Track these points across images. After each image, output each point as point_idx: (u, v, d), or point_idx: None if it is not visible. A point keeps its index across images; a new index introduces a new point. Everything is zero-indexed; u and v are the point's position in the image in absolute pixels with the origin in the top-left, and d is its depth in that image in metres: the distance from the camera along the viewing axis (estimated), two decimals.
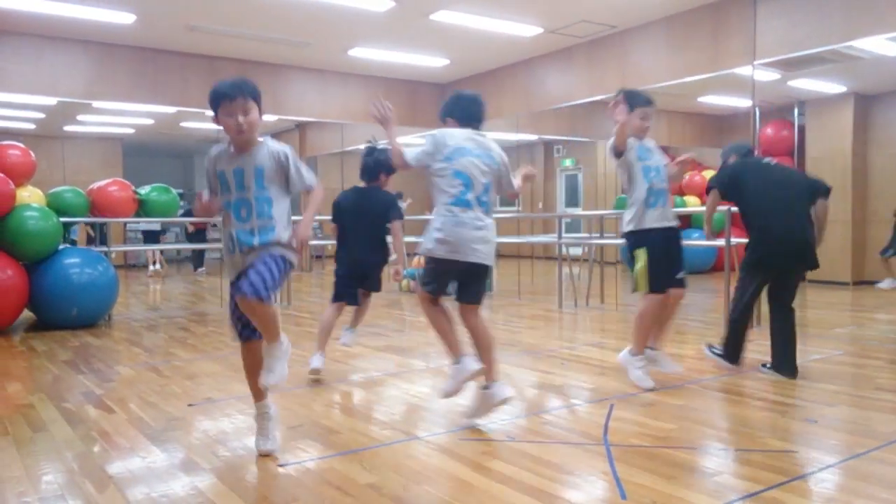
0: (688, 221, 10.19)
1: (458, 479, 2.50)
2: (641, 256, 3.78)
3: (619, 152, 3.77)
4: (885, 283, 7.64)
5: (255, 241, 2.62)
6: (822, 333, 5.58)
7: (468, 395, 3.27)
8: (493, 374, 3.14)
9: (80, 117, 11.30)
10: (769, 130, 9.50)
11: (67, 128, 12.13)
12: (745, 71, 6.71)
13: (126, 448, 2.91)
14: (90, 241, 9.48)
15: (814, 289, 8.13)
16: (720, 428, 3.15)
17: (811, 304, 7.28)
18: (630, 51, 7.92)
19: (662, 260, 3.77)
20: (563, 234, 7.63)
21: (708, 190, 4.38)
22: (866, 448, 2.75)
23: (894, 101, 9.12)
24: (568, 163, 14.15)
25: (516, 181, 3.25)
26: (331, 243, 6.56)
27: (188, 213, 9.72)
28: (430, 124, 10.79)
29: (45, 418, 3.37)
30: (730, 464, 2.64)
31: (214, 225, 12.83)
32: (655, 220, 3.77)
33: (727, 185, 4.19)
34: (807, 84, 8.73)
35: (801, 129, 9.38)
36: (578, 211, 13.23)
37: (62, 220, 6.28)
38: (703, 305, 7.20)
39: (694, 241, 7.57)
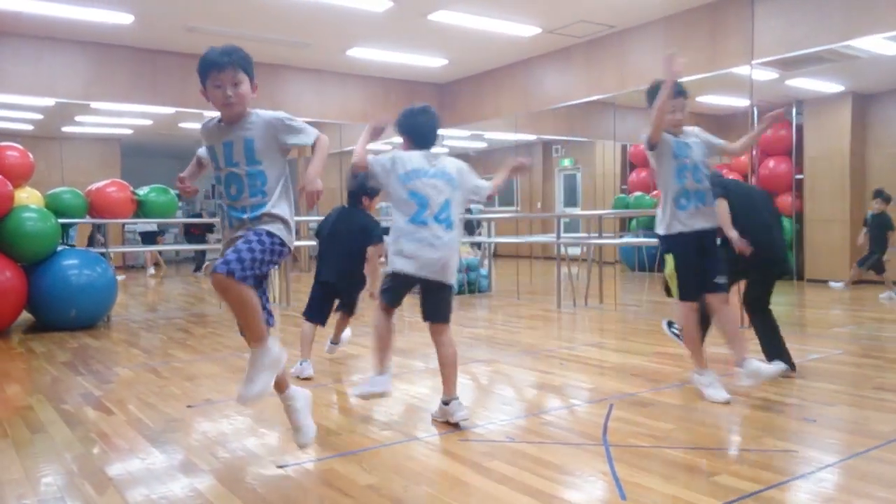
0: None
1: (458, 480, 2.50)
2: (670, 261, 3.64)
3: (651, 145, 3.54)
4: (885, 296, 7.63)
5: (246, 216, 2.43)
6: (821, 333, 5.59)
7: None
8: (451, 389, 3.14)
9: (78, 118, 11.29)
10: (767, 130, 9.50)
11: (66, 129, 12.11)
12: (743, 70, 6.72)
13: (125, 449, 2.91)
14: (91, 242, 9.53)
15: (813, 288, 8.13)
16: (719, 428, 3.15)
17: (810, 304, 7.29)
18: (628, 51, 7.93)
19: (692, 266, 3.56)
20: (562, 234, 7.63)
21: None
22: (865, 447, 2.76)
23: (892, 100, 9.13)
24: (566, 163, 14.16)
25: (490, 184, 3.32)
26: None
27: (191, 215, 9.71)
28: None
29: (44, 420, 3.36)
30: (729, 464, 2.64)
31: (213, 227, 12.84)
32: (686, 223, 3.52)
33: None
34: (805, 83, 8.73)
35: (800, 129, 9.38)
36: (577, 211, 13.24)
37: (61, 221, 6.28)
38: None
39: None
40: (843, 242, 8.99)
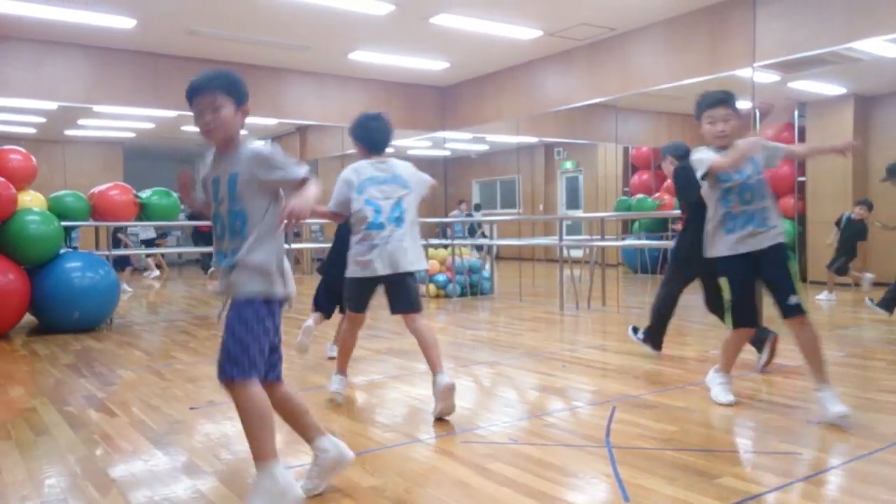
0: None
1: (461, 482, 2.49)
2: (725, 286, 3.36)
3: (702, 176, 3.29)
4: (824, 297, 7.69)
5: (224, 263, 2.19)
6: (824, 335, 5.54)
7: (467, 398, 3.26)
8: (437, 366, 3.30)
9: (80, 122, 11.32)
10: (769, 132, 9.50)
11: (68, 132, 12.15)
12: (744, 73, 6.72)
13: (128, 451, 2.91)
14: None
15: (816, 290, 8.12)
16: (722, 430, 3.15)
17: (813, 306, 7.27)
18: (630, 53, 7.93)
19: (744, 291, 3.31)
20: (564, 237, 7.63)
21: (697, 193, 4.41)
22: (870, 450, 2.75)
23: (894, 102, 9.13)
24: (568, 165, 14.17)
25: (428, 186, 3.56)
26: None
27: (192, 217, 9.74)
28: (430, 127, 10.82)
29: (48, 422, 3.37)
30: (733, 466, 2.63)
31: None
32: (732, 246, 3.24)
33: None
34: (807, 86, 8.73)
35: (802, 131, 9.38)
36: (579, 213, 13.24)
37: (63, 224, 6.30)
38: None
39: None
40: None
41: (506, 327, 6.25)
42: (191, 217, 10.56)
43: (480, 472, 2.57)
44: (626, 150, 11.95)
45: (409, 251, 3.36)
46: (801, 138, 9.33)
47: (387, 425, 3.27)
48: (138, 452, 2.89)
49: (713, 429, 3.14)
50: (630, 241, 10.93)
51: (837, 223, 8.14)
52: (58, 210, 6.47)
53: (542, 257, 11.67)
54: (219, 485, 2.52)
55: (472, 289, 8.47)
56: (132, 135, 12.70)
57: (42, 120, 10.87)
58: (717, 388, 3.52)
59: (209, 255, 13.18)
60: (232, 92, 2.23)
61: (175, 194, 7.42)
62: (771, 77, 7.08)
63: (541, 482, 2.46)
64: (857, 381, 3.98)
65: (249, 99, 2.29)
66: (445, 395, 3.23)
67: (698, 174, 3.26)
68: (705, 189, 3.35)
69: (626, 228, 11.80)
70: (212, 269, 12.35)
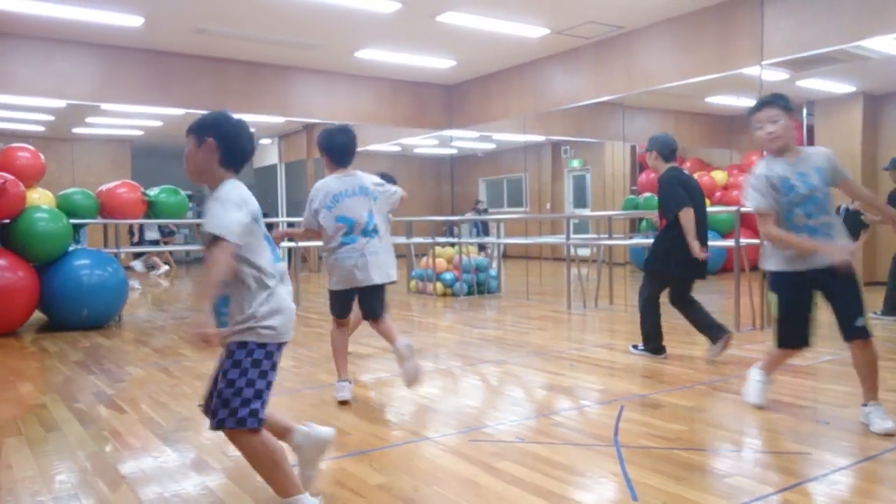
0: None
1: (468, 480, 2.50)
2: (773, 302, 3.17)
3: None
4: (876, 316, 7.63)
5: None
6: (833, 335, 5.52)
7: (476, 397, 3.25)
8: (395, 339, 3.60)
9: (88, 119, 11.37)
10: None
11: (76, 130, 12.21)
12: (752, 71, 6.69)
13: (138, 448, 2.93)
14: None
15: None
16: (731, 429, 3.14)
17: (822, 306, 7.23)
18: (637, 51, 7.91)
19: (791, 311, 3.12)
20: (572, 235, 7.62)
21: (674, 211, 4.43)
22: (879, 450, 2.74)
23: None
24: (576, 163, 14.13)
25: (399, 189, 3.75)
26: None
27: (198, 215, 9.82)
28: (436, 126, 10.82)
29: (58, 418, 3.39)
30: (741, 465, 2.63)
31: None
32: (790, 262, 3.03)
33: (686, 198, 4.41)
34: (816, 84, 8.69)
35: (811, 129, 9.33)
36: (586, 212, 13.21)
37: (72, 221, 6.33)
38: (713, 308, 7.16)
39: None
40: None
41: (513, 326, 6.24)
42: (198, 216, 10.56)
43: (488, 471, 2.57)
44: (633, 148, 11.91)
45: (385, 264, 3.56)
46: (810, 137, 9.28)
47: (394, 423, 3.28)
48: (148, 449, 2.90)
49: (721, 428, 3.13)
50: (638, 240, 10.90)
51: (836, 211, 8.08)
52: (66, 208, 6.50)
53: (549, 256, 11.65)
54: (227, 481, 2.53)
55: (480, 287, 8.47)
56: (140, 133, 12.75)
57: (51, 118, 10.92)
58: (754, 385, 3.35)
59: None
60: (201, 131, 2.08)
61: (183, 192, 7.45)
62: (779, 75, 7.05)
63: (549, 481, 2.46)
64: None
65: (214, 132, 2.08)
66: (407, 353, 3.51)
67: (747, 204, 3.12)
68: None
69: (634, 227, 11.77)
70: None
